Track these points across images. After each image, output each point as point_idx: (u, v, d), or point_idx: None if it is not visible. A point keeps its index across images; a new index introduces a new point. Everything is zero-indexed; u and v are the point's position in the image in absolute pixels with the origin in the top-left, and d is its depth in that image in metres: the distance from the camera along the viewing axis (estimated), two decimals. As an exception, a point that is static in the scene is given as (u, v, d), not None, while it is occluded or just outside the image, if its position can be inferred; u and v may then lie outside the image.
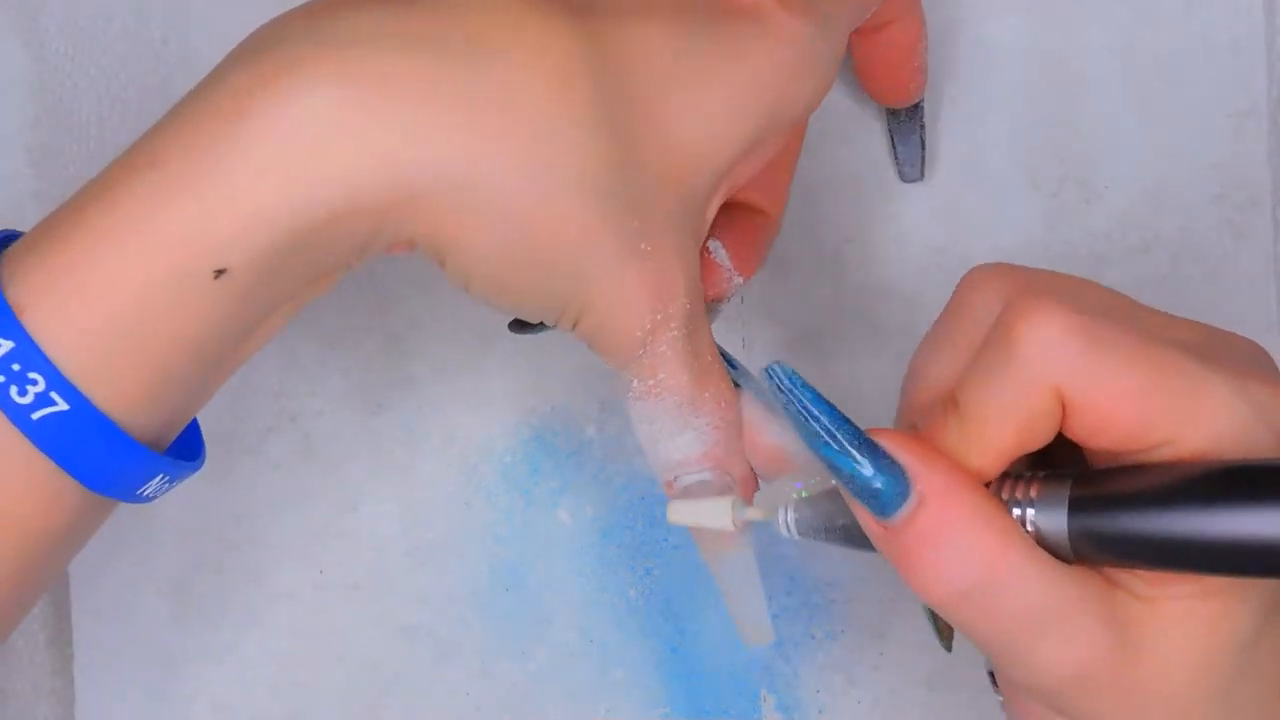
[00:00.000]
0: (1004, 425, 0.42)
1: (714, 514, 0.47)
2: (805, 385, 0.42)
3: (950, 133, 0.60)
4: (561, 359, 0.59)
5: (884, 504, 0.42)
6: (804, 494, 0.45)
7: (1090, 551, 0.41)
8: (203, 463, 0.48)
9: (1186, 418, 0.40)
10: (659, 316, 0.46)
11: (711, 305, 0.52)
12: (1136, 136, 0.60)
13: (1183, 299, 0.60)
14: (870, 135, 0.60)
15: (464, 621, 0.59)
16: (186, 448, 0.48)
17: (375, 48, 0.42)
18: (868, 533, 0.43)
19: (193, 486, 0.59)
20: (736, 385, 0.49)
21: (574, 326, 0.46)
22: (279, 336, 0.59)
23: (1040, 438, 0.42)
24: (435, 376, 0.59)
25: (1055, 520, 0.42)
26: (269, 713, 0.59)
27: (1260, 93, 0.60)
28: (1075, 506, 0.41)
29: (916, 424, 0.44)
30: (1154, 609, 0.42)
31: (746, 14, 0.48)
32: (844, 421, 0.42)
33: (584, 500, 0.59)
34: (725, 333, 0.59)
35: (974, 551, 0.41)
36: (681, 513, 0.48)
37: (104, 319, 0.42)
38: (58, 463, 0.43)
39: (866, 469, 0.42)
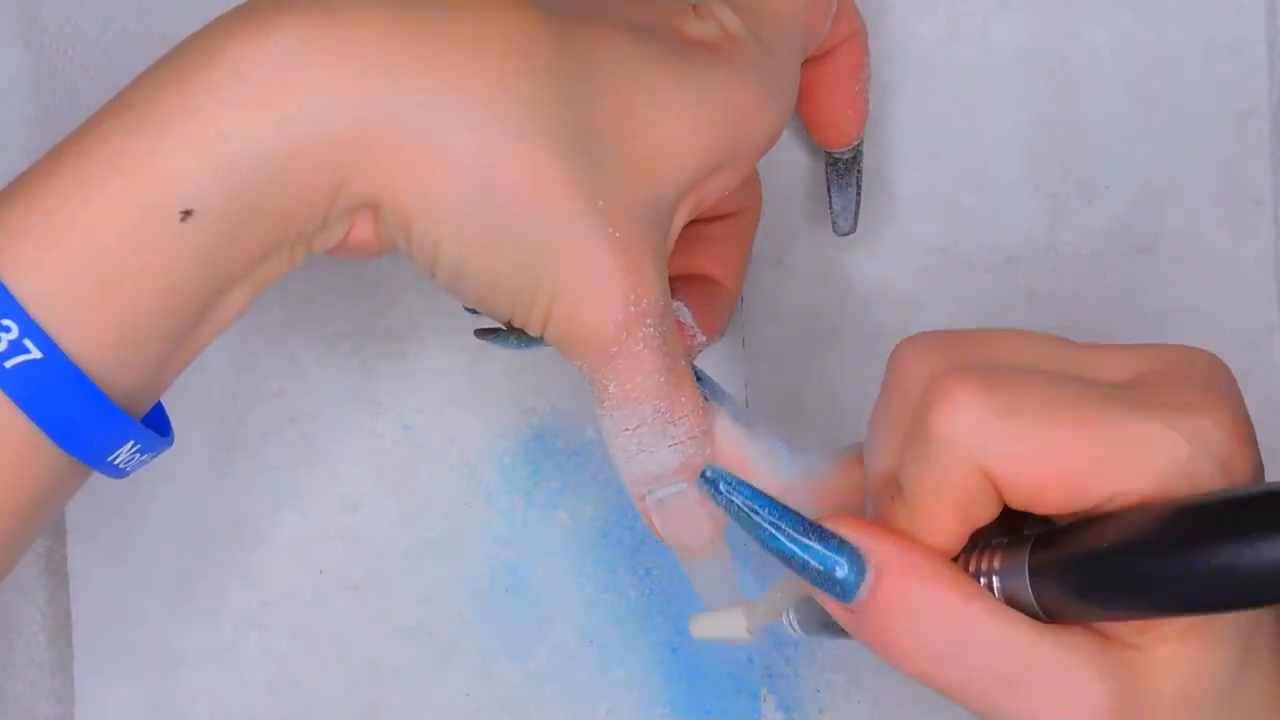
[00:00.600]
0: (942, 508, 0.42)
1: (731, 626, 0.48)
2: (741, 483, 0.43)
3: (951, 133, 0.60)
4: (561, 360, 0.59)
5: (843, 586, 0.42)
6: (789, 600, 0.46)
7: (1064, 609, 0.41)
8: (172, 440, 0.47)
9: (1123, 470, 0.40)
10: (633, 309, 0.46)
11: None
12: (1138, 136, 0.60)
13: (1184, 299, 0.60)
14: (870, 138, 0.60)
15: (464, 622, 0.59)
16: (155, 429, 0.48)
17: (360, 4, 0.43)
18: (835, 617, 0.43)
19: (192, 487, 0.59)
20: (706, 399, 0.49)
21: (545, 321, 0.46)
22: (279, 338, 0.59)
23: (984, 515, 0.42)
24: (435, 377, 0.59)
25: (1020, 584, 0.42)
26: (269, 713, 0.59)
27: (1261, 92, 0.60)
28: (1035, 569, 0.41)
29: (873, 510, 0.44)
30: (1146, 654, 0.42)
31: (701, 44, 0.48)
32: (786, 511, 0.42)
33: (584, 500, 0.59)
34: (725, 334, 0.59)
35: (939, 614, 0.42)
36: (703, 628, 0.49)
37: (76, 265, 0.42)
38: (28, 413, 0.42)
39: (817, 554, 0.42)
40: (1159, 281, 0.60)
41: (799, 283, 0.60)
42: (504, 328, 0.50)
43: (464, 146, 0.43)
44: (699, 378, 0.49)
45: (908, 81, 0.60)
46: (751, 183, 0.56)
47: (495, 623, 0.59)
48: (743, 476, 0.46)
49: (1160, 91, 0.60)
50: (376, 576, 0.59)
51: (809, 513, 0.44)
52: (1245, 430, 0.42)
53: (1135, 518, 0.40)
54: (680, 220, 0.48)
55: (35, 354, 0.42)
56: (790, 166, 0.60)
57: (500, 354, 0.59)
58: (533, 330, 0.47)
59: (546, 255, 0.45)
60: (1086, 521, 0.41)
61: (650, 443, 0.48)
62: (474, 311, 0.50)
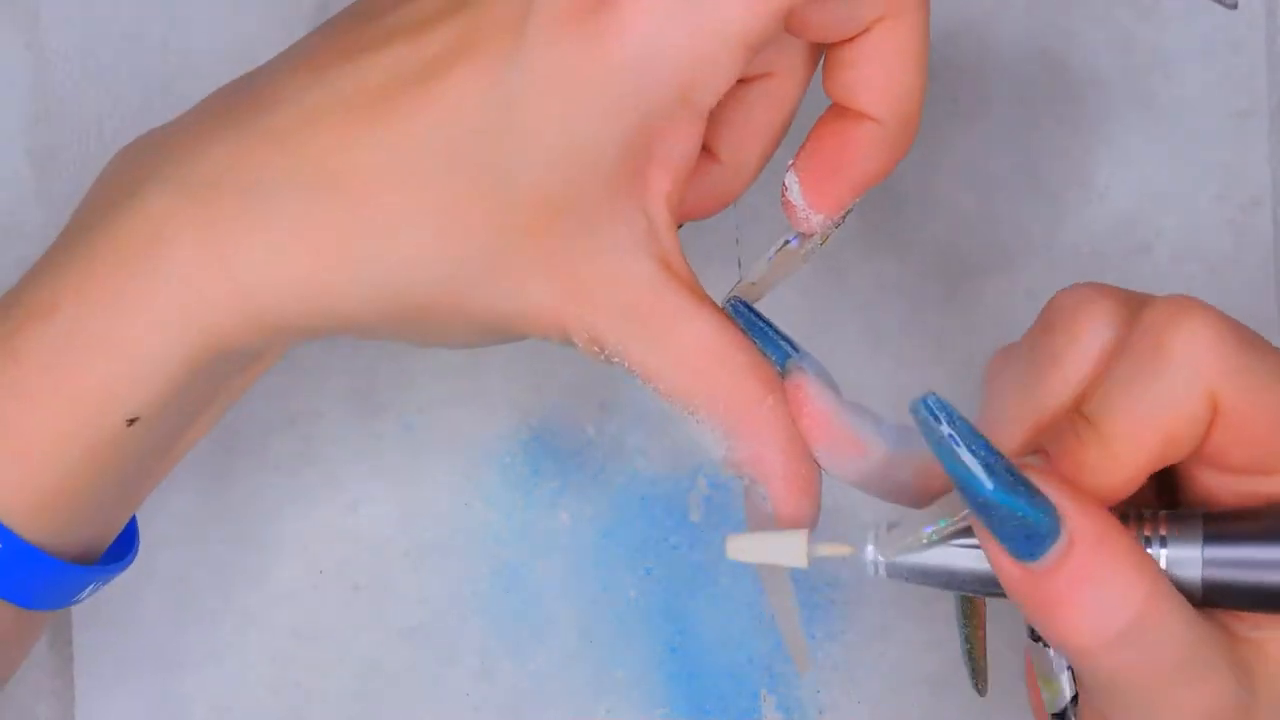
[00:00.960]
0: (1150, 436, 0.40)
1: (784, 550, 0.43)
2: (959, 417, 0.40)
3: (950, 132, 0.60)
4: (562, 359, 0.59)
5: (1036, 544, 0.40)
6: (935, 538, 0.42)
7: (1218, 593, 0.40)
8: (134, 558, 0.50)
9: None
10: (586, 333, 0.44)
11: (804, 242, 0.48)
12: (1137, 136, 0.60)
13: (1183, 298, 0.60)
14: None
15: (464, 622, 0.59)
16: (121, 540, 0.51)
17: (226, 191, 0.44)
18: (1002, 576, 0.40)
19: (193, 486, 0.59)
20: (795, 369, 0.45)
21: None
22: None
23: (1180, 451, 0.41)
24: (435, 377, 0.59)
25: (1189, 560, 0.40)
26: (269, 713, 0.59)
27: (1261, 92, 0.60)
28: (1211, 543, 0.40)
29: (1043, 447, 0.42)
30: (1261, 650, 0.41)
31: (583, 18, 0.42)
32: (999, 455, 0.40)
33: (584, 500, 0.59)
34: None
35: (1126, 596, 0.40)
36: (743, 549, 0.44)
37: (24, 468, 0.44)
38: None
39: (1023, 504, 0.39)
40: (1159, 281, 0.60)
41: (797, 280, 0.60)
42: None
43: (355, 306, 0.44)
44: (780, 346, 0.46)
45: (907, 81, 0.60)
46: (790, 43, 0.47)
47: (495, 623, 0.59)
48: (844, 448, 0.44)
49: (1160, 90, 0.60)
50: (377, 576, 0.59)
51: (910, 489, 0.43)
52: None
53: None
54: (655, 197, 0.44)
55: None
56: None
57: (501, 354, 0.59)
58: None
59: (482, 330, 0.45)
60: (1255, 509, 0.40)
61: (695, 431, 0.45)
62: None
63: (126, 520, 0.49)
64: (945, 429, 0.39)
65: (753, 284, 0.48)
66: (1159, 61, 0.60)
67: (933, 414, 0.39)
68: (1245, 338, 0.41)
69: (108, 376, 0.44)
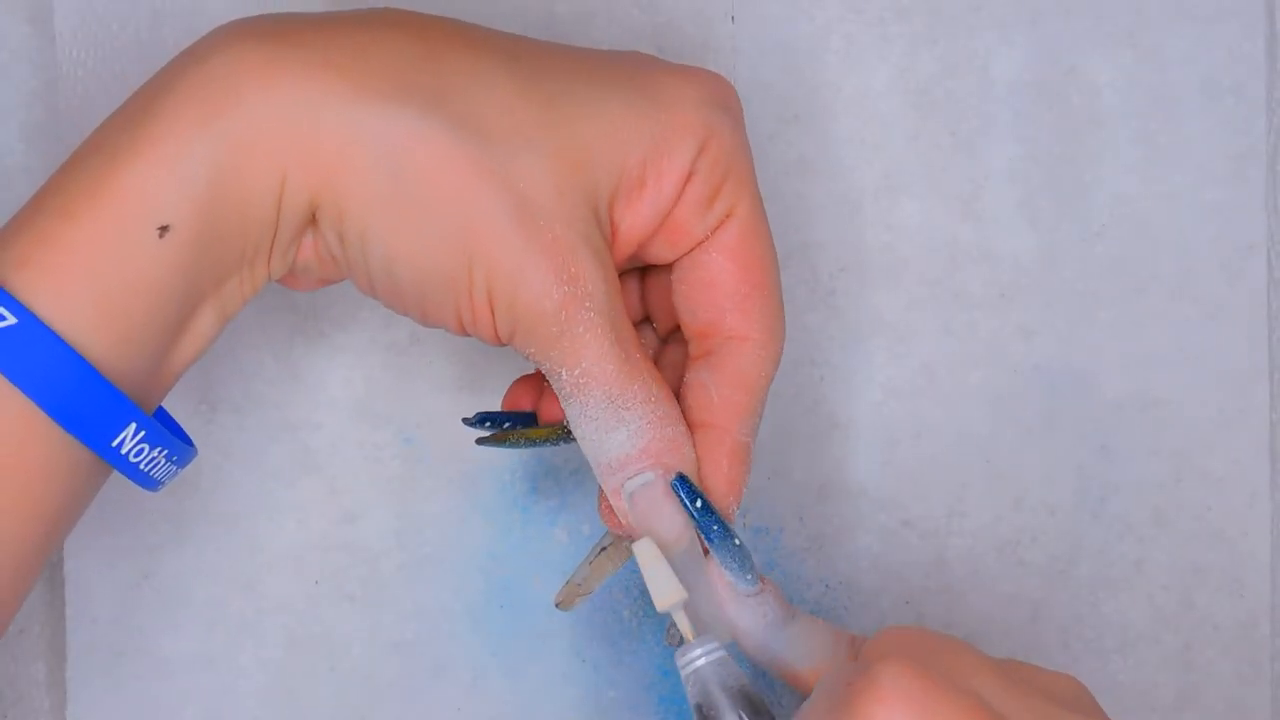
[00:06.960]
0: None
1: (671, 591, 0.51)
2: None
3: (948, 165, 0.60)
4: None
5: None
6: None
7: None
8: (195, 450, 0.50)
9: None
10: (568, 289, 0.48)
11: (619, 545, 0.54)
12: (1136, 176, 0.60)
13: (1176, 339, 0.60)
14: (867, 166, 0.60)
15: (457, 637, 0.59)
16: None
17: (287, 25, 0.48)
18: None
19: (191, 493, 0.59)
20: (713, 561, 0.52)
21: (492, 308, 0.48)
22: (282, 347, 0.59)
23: None
24: (437, 391, 0.60)
25: None
26: (258, 721, 0.59)
27: (1260, 137, 0.60)
28: None
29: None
30: None
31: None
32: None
33: (581, 519, 0.60)
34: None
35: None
36: (652, 564, 0.51)
37: (70, 278, 0.46)
38: (8, 377, 0.45)
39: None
40: (1152, 321, 0.60)
41: (790, 311, 0.60)
42: (503, 429, 0.54)
43: (376, 136, 0.47)
44: (727, 537, 0.51)
45: (906, 112, 0.61)
46: (754, 308, 0.53)
47: (488, 638, 0.59)
48: (731, 632, 0.53)
49: (1160, 132, 0.60)
50: (371, 589, 0.59)
51: (780, 668, 0.52)
52: None
53: None
54: (625, 219, 0.50)
55: (10, 320, 0.45)
56: (783, 197, 0.60)
57: (503, 371, 0.59)
58: (483, 327, 0.49)
59: (470, 237, 0.48)
60: None
61: (608, 426, 0.50)
62: (473, 424, 0.54)
63: (149, 394, 0.49)
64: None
65: (578, 584, 0.54)
66: (1160, 103, 0.61)
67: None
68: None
69: (141, 176, 0.46)
